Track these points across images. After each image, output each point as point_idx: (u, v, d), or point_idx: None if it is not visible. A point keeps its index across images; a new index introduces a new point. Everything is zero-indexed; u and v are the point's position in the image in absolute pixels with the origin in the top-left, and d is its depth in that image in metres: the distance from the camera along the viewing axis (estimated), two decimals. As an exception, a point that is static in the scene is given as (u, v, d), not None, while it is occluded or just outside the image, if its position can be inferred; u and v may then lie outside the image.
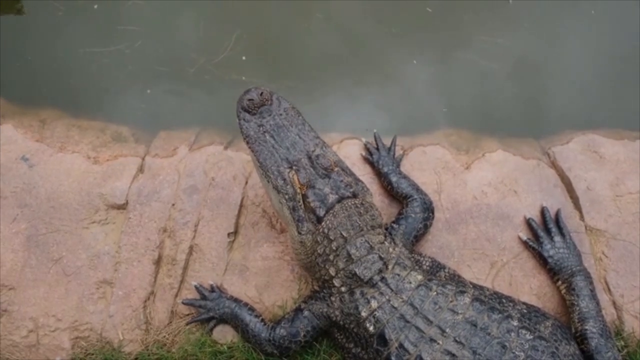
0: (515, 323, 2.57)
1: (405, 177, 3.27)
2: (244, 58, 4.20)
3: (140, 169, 3.49)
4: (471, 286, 2.79)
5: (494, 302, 2.68)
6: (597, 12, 4.39)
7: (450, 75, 4.30)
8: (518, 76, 4.26)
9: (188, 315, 3.18)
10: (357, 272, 2.67)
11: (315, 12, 4.42)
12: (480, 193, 3.32)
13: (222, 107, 4.01)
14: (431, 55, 4.35)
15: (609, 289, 3.12)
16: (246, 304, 3.09)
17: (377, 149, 3.43)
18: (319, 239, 2.70)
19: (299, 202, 2.71)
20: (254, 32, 4.32)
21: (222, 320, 3.11)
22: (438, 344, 2.50)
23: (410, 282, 2.67)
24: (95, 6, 4.39)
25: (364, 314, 2.65)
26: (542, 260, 3.12)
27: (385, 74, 4.30)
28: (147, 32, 4.32)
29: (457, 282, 2.82)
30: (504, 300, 2.75)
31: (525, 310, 2.71)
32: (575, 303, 2.91)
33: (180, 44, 4.32)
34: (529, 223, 3.21)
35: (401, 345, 2.53)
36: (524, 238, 3.18)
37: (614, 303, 3.10)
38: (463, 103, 4.19)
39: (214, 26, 4.37)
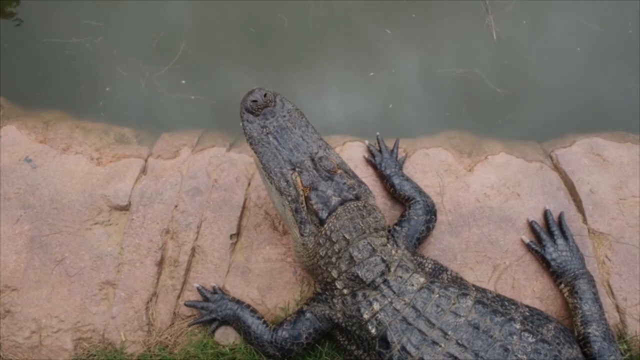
0: (517, 326, 2.56)
1: (407, 179, 3.26)
2: (183, 82, 4.20)
3: (143, 171, 3.49)
4: (473, 289, 2.78)
5: (496, 304, 2.67)
6: (598, 12, 4.39)
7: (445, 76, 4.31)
8: (517, 78, 4.26)
9: (190, 316, 3.19)
10: (360, 275, 2.66)
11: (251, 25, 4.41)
12: (482, 196, 3.32)
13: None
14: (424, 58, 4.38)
15: (612, 292, 3.11)
16: (248, 306, 3.09)
17: (380, 151, 3.43)
18: (321, 241, 2.70)
19: (302, 204, 2.71)
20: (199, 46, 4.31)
21: (224, 322, 3.11)
22: (440, 346, 2.49)
23: (413, 285, 2.67)
24: None
25: (366, 317, 2.65)
26: (544, 263, 3.12)
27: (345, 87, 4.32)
28: (108, 28, 4.32)
29: (460, 284, 2.81)
30: (506, 303, 2.73)
31: (527, 313, 2.70)
32: (578, 306, 2.90)
33: (137, 48, 4.32)
34: (531, 226, 3.21)
35: (403, 348, 2.52)
36: (527, 241, 3.17)
37: (617, 306, 3.09)
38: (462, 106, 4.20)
39: (167, 35, 4.33)
